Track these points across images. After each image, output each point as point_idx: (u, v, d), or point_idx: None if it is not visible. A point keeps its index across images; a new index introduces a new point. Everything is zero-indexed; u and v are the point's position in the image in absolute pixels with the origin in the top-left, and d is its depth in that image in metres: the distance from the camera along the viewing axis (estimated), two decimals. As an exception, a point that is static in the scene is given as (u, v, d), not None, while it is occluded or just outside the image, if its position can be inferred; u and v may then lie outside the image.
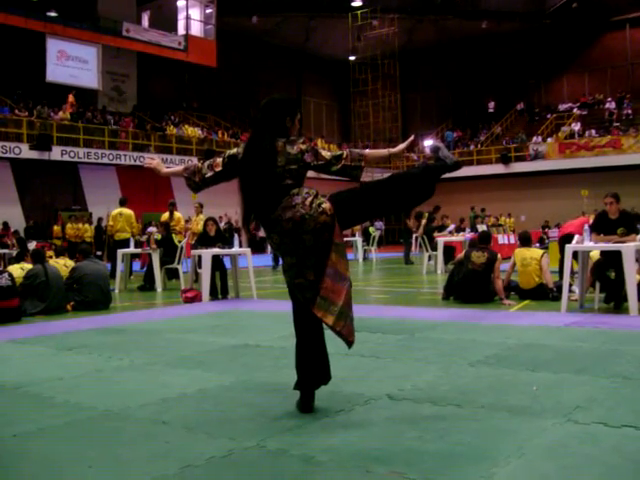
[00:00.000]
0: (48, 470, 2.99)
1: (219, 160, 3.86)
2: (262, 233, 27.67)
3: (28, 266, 9.24)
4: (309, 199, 3.60)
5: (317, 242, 3.60)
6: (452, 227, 17.36)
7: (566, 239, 9.27)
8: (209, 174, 3.85)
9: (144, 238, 14.78)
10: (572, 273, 8.99)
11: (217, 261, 10.48)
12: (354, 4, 35.18)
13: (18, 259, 9.87)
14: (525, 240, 9.48)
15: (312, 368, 3.74)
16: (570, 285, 8.35)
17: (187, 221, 15.98)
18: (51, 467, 3.02)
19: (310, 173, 3.77)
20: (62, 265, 9.86)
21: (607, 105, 36.11)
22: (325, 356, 3.82)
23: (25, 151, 23.99)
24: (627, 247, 7.44)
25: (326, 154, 3.72)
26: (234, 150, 3.87)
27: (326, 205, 3.60)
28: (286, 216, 3.57)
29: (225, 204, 27.58)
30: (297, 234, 3.58)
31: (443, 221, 17.60)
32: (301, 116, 3.96)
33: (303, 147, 3.71)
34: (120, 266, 12.67)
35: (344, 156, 3.71)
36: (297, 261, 3.66)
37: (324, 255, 3.61)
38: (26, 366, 5.40)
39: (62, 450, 3.25)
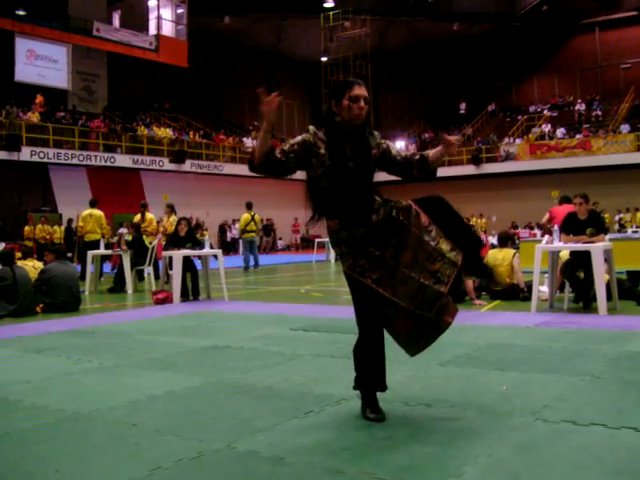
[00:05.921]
0: (14, 474, 2.94)
1: None
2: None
3: (-5, 268, 9.13)
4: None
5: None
6: None
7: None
8: None
9: (115, 239, 14.66)
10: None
11: (188, 262, 10.44)
12: (326, 5, 35.16)
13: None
14: (503, 241, 9.52)
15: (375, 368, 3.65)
16: None
17: (158, 222, 15.86)
18: (18, 471, 2.97)
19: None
20: (31, 267, 9.75)
21: (577, 107, 36.50)
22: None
23: (-7, 151, 23.71)
24: (596, 247, 7.52)
25: None
26: None
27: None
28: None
29: (195, 205, 27.49)
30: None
31: None
32: (350, 93, 3.66)
33: None
34: (90, 267, 12.56)
35: None
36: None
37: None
38: (-7, 369, 5.33)
39: (29, 454, 3.20)
